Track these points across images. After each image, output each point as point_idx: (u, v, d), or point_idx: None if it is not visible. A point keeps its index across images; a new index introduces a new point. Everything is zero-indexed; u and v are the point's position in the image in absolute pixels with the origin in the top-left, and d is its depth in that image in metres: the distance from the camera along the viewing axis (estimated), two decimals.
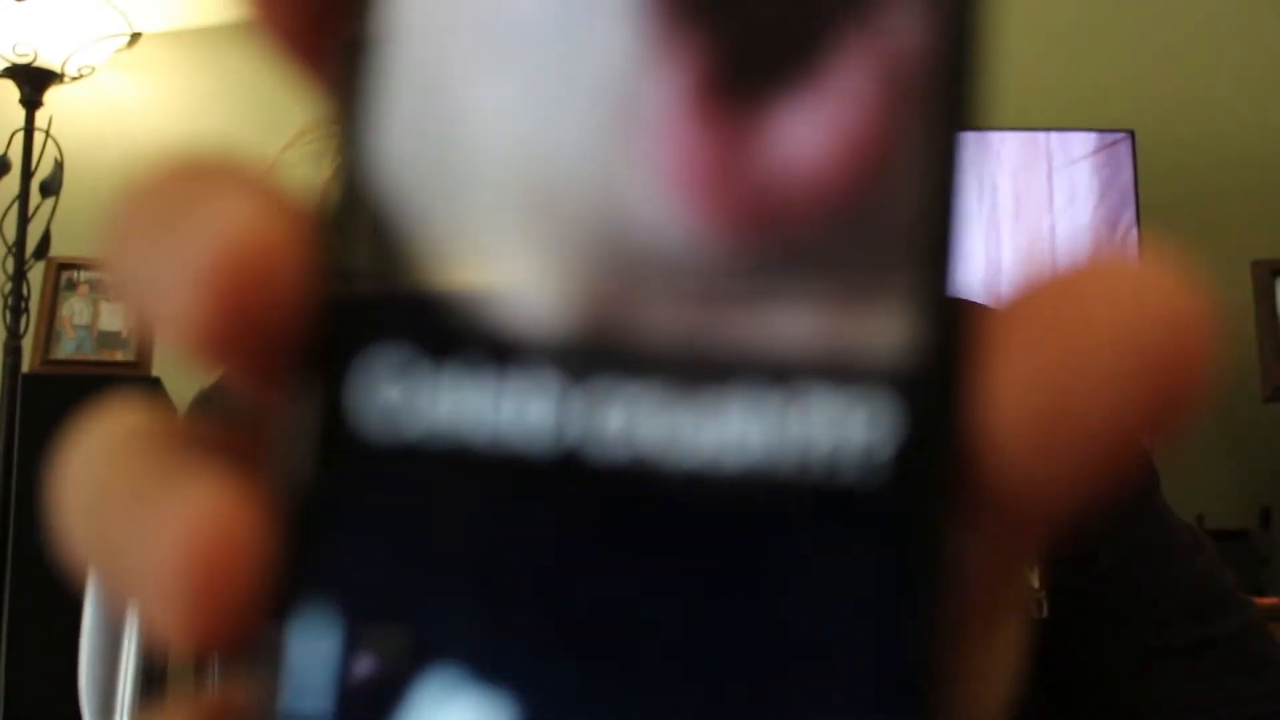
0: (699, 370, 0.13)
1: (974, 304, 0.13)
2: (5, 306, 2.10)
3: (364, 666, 0.13)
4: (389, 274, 0.14)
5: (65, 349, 2.11)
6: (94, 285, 2.14)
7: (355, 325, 0.14)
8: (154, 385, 1.97)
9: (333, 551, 0.13)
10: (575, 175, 0.14)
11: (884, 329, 0.13)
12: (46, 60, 2.11)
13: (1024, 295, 0.13)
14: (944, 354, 0.13)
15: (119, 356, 2.10)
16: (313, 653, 0.13)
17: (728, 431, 0.13)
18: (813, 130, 0.13)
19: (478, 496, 0.13)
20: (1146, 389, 0.12)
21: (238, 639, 0.13)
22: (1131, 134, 2.04)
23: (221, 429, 0.15)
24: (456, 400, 0.13)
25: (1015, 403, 0.13)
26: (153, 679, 1.00)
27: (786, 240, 0.13)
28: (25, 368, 2.05)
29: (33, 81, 2.12)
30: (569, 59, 0.14)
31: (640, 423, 0.13)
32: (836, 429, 0.13)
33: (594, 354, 0.13)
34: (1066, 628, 0.53)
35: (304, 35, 0.15)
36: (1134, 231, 2.00)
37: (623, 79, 0.14)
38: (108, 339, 2.12)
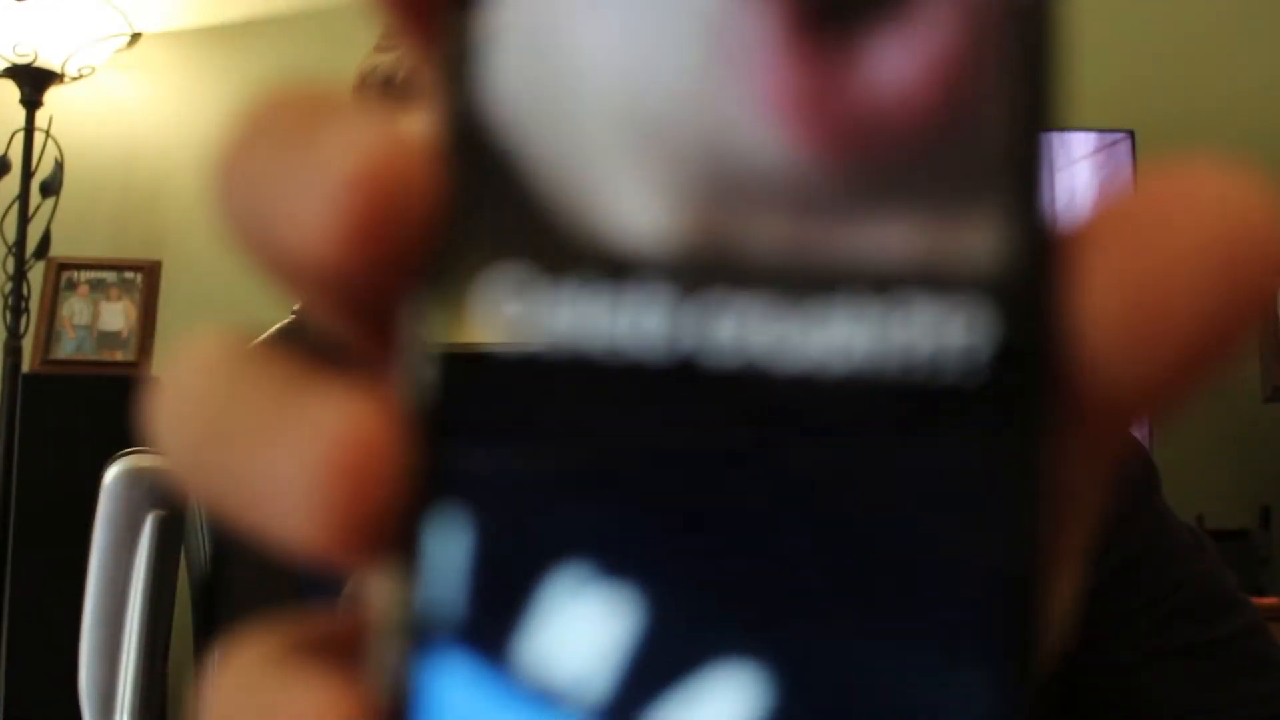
0: (804, 281, 0.14)
1: (1062, 215, 0.14)
2: (5, 306, 2.10)
3: (494, 567, 0.14)
4: (508, 198, 0.14)
5: (65, 349, 2.11)
6: (94, 285, 2.14)
7: (478, 245, 0.14)
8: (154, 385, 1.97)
9: (461, 458, 0.14)
10: (678, 98, 0.14)
11: (979, 239, 0.13)
12: (47, 60, 2.11)
13: (1107, 206, 0.14)
14: (1036, 259, 0.13)
15: (119, 356, 2.10)
16: (445, 556, 0.14)
17: (833, 337, 0.14)
18: (905, 51, 0.14)
19: (597, 404, 0.14)
20: (1223, 285, 0.13)
21: (377, 546, 0.14)
22: (1131, 134, 2.04)
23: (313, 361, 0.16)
24: (575, 314, 0.14)
25: (1105, 302, 0.13)
26: (154, 675, 1.00)
27: (883, 157, 0.14)
28: (25, 368, 2.05)
29: (33, 81, 2.12)
30: None
31: (750, 331, 0.14)
32: (937, 333, 0.13)
33: (704, 268, 0.14)
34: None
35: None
36: None
37: (721, 5, 0.14)
38: (108, 339, 2.12)
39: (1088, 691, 0.54)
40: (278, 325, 0.74)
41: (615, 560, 0.14)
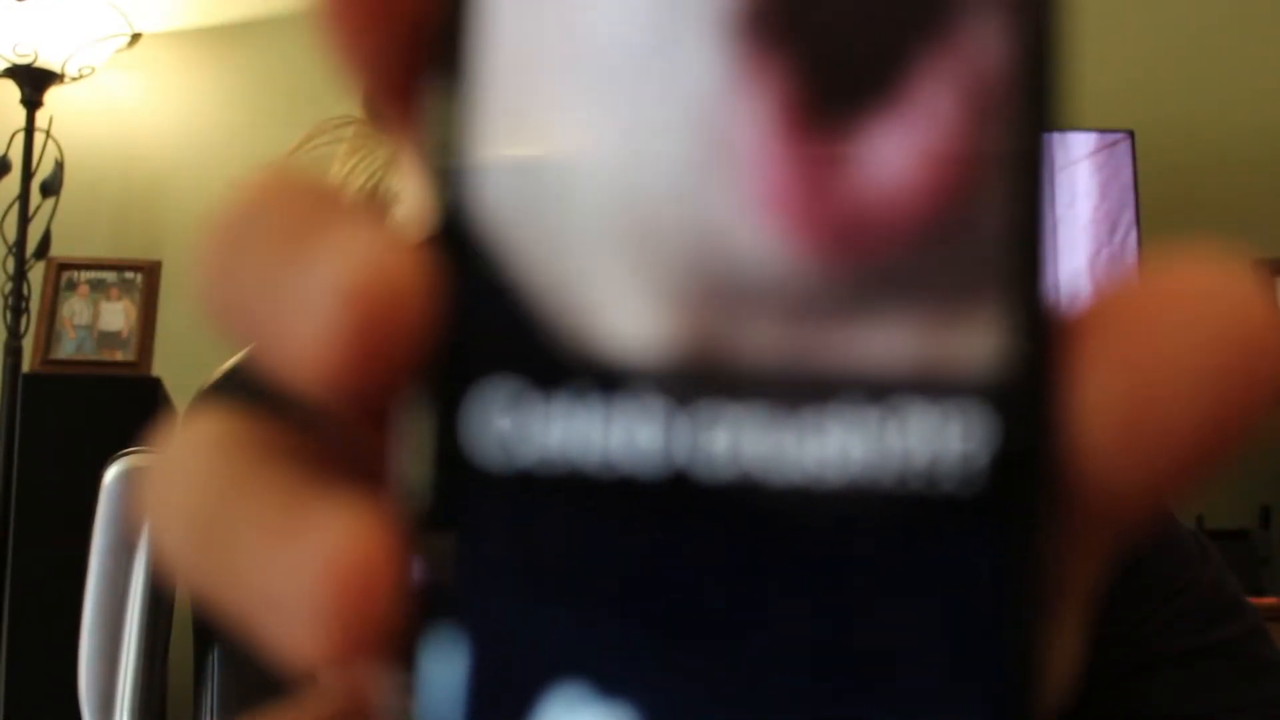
0: (799, 389, 0.14)
1: (1059, 311, 0.14)
2: (5, 306, 2.10)
3: (491, 683, 0.14)
4: (497, 308, 0.14)
5: (65, 349, 2.11)
6: (94, 285, 2.14)
7: (466, 358, 0.14)
8: (154, 385, 1.97)
9: (458, 573, 0.14)
10: (670, 202, 0.14)
11: (976, 342, 0.13)
12: (47, 60, 2.11)
13: (1105, 301, 0.14)
14: (1033, 363, 0.13)
15: (119, 356, 2.10)
16: (443, 671, 0.14)
17: (829, 447, 0.14)
18: (900, 149, 0.14)
19: (591, 519, 0.14)
20: (1224, 389, 0.13)
21: (376, 659, 0.14)
22: (1131, 134, 2.04)
23: (311, 439, 0.16)
24: (566, 427, 0.14)
25: (1101, 407, 0.13)
26: (154, 675, 1.00)
27: (879, 259, 0.14)
28: (25, 368, 2.05)
29: (33, 81, 2.12)
30: (658, 87, 0.14)
31: (745, 442, 0.14)
32: (933, 440, 0.13)
33: (697, 378, 0.14)
34: None
35: (394, 72, 0.15)
36: (1133, 232, 2.00)
37: (711, 106, 0.14)
38: (108, 339, 2.12)
39: (1088, 695, 0.54)
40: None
41: (613, 677, 0.14)
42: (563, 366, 0.14)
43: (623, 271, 0.14)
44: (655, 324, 0.14)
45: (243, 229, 0.15)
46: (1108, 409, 0.13)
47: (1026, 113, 0.14)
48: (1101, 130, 2.04)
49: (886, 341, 0.13)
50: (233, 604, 0.15)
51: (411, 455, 0.14)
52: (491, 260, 0.14)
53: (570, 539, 0.14)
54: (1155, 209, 2.05)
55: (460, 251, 0.14)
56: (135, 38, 2.21)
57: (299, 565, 0.14)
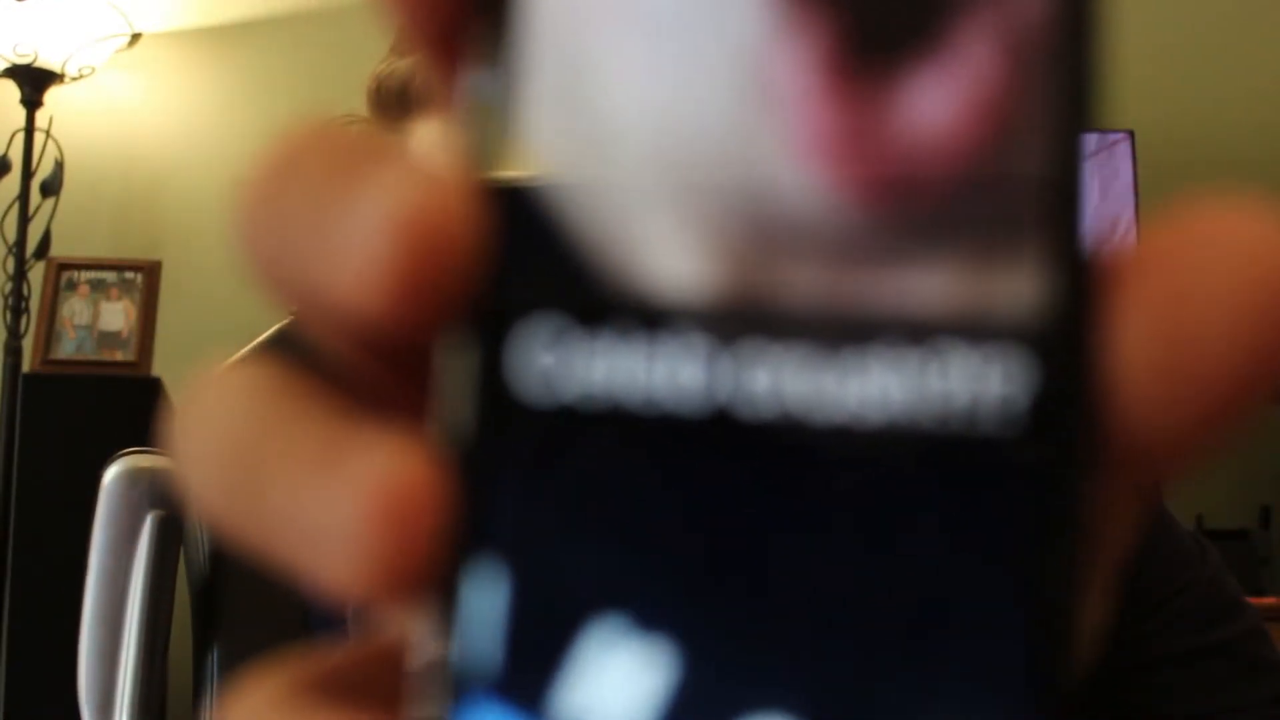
0: (840, 330, 0.14)
1: (1097, 256, 0.14)
2: (5, 306, 2.10)
3: (531, 617, 0.14)
4: (544, 244, 0.14)
5: (65, 349, 2.11)
6: (94, 285, 2.14)
7: (515, 295, 0.14)
8: (154, 385, 1.97)
9: (499, 507, 0.14)
10: (716, 146, 0.14)
11: (1016, 286, 0.13)
12: (47, 60, 2.11)
13: (1142, 246, 0.14)
14: (1072, 307, 0.13)
15: (119, 356, 2.10)
16: (483, 607, 0.14)
17: (870, 387, 0.14)
18: (942, 94, 0.14)
19: (633, 455, 0.14)
20: (1259, 328, 0.13)
21: (417, 592, 0.14)
22: (1131, 134, 2.04)
23: (347, 393, 0.16)
24: (609, 364, 0.14)
25: (1142, 351, 0.13)
26: (153, 675, 1.00)
27: (921, 203, 0.14)
28: (25, 368, 2.05)
29: (33, 81, 2.12)
30: (704, 33, 0.14)
31: (786, 381, 0.14)
32: (974, 382, 0.13)
33: (740, 318, 0.14)
34: None
35: (446, 24, 0.15)
36: (1134, 232, 2.00)
37: (756, 50, 0.14)
38: (108, 339, 2.12)
39: (1093, 696, 0.54)
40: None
41: (653, 613, 0.14)
42: (607, 305, 0.14)
43: (668, 212, 0.14)
44: (699, 264, 0.14)
45: (286, 174, 0.15)
46: (1146, 350, 0.13)
47: (1067, 61, 0.14)
48: (1101, 130, 2.04)
49: (927, 284, 0.14)
50: (270, 541, 0.14)
51: (455, 390, 0.14)
52: (539, 199, 0.14)
53: (611, 475, 0.14)
54: (1154, 209, 2.04)
55: (508, 190, 0.15)
56: (135, 38, 2.21)
57: (341, 495, 0.14)
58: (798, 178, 0.14)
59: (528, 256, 0.14)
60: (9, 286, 2.11)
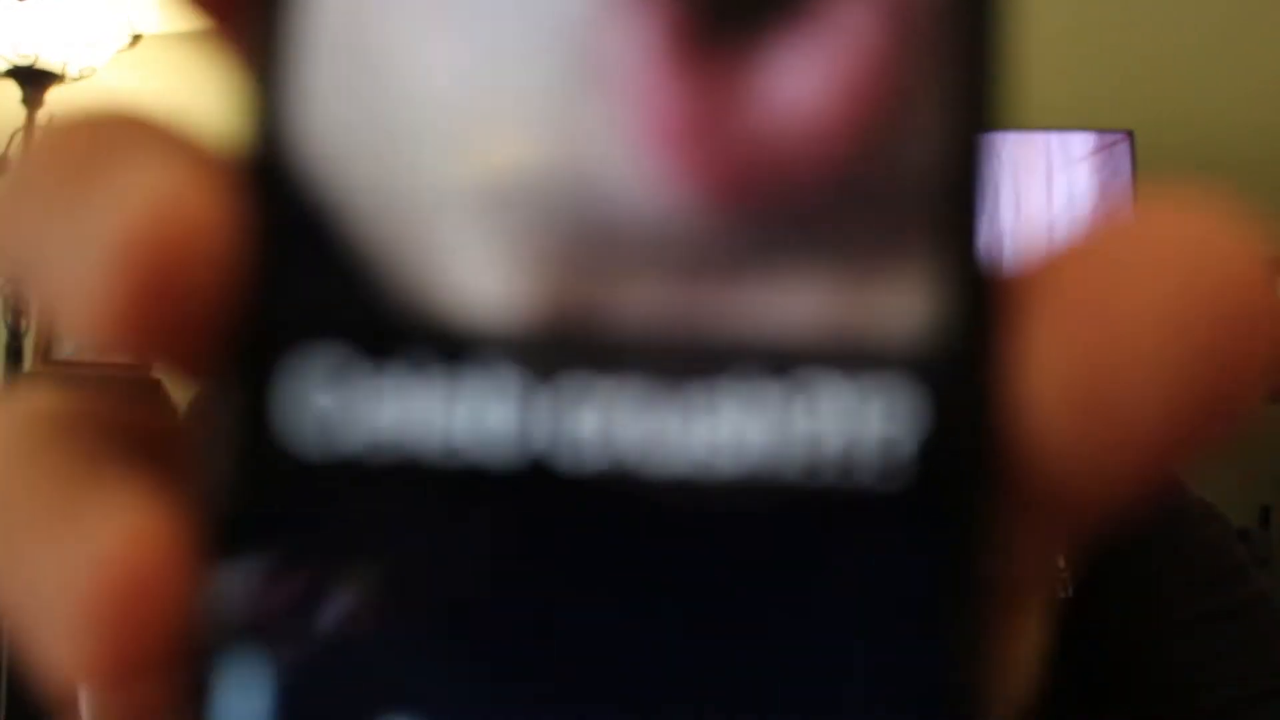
0: (685, 360, 0.11)
1: (997, 270, 0.12)
2: (5, 306, 2.10)
3: (298, 717, 0.11)
4: (318, 257, 0.12)
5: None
6: None
7: (282, 319, 0.12)
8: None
9: (262, 582, 0.12)
10: (530, 137, 0.12)
11: (899, 305, 0.11)
12: (47, 61, 2.11)
13: (1056, 258, 0.12)
14: (970, 332, 0.11)
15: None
16: (240, 706, 0.11)
17: (722, 430, 0.11)
18: (808, 71, 0.11)
19: (429, 518, 0.12)
20: (1201, 359, 0.11)
21: (151, 682, 0.12)
22: (1131, 134, 2.04)
23: (149, 420, 0.14)
24: (401, 405, 0.12)
25: (1052, 383, 0.11)
26: None
27: (783, 204, 0.11)
28: (26, 368, 2.05)
29: (33, 82, 2.12)
30: (520, 3, 0.12)
31: (619, 424, 0.11)
32: (849, 423, 0.11)
33: (561, 345, 0.11)
34: (1081, 604, 0.53)
35: None
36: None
37: (582, 19, 0.12)
38: None
39: (1099, 668, 0.54)
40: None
41: (452, 711, 0.11)
42: (397, 331, 0.12)
43: (471, 217, 0.12)
44: (510, 279, 0.12)
45: (31, 169, 0.13)
46: (1059, 383, 0.11)
47: (962, 28, 0.11)
48: (1101, 130, 2.04)
49: (791, 302, 0.11)
50: (9, 609, 0.12)
51: (211, 437, 0.12)
52: (313, 202, 0.12)
53: (402, 544, 0.12)
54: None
55: (275, 192, 0.12)
56: (136, 38, 2.21)
57: (67, 561, 0.12)
58: (632, 173, 0.11)
59: (299, 272, 0.12)
60: (9, 287, 2.11)
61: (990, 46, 0.11)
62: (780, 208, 0.11)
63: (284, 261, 0.12)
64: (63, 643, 0.12)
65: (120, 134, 0.12)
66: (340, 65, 0.12)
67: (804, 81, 0.11)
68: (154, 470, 0.13)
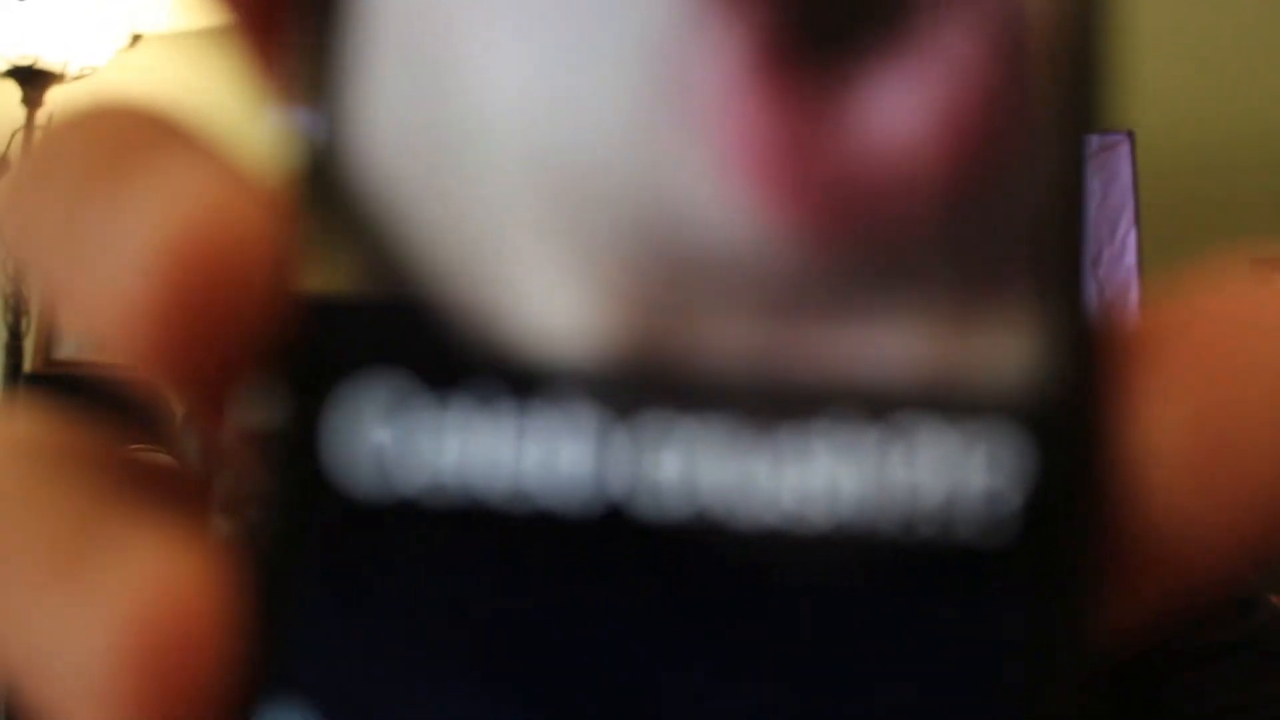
0: (775, 402, 0.11)
1: (1111, 318, 0.11)
2: (6, 306, 2.10)
3: None
4: (380, 280, 0.11)
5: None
6: None
7: (337, 345, 0.11)
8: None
9: (312, 635, 0.11)
10: (612, 160, 0.11)
11: (1006, 348, 0.11)
12: (47, 61, 2.11)
13: (1172, 310, 0.11)
14: (1080, 379, 0.11)
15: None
16: None
17: (813, 478, 0.11)
18: (908, 96, 0.11)
19: (494, 567, 0.11)
20: None
21: None
22: (1131, 135, 2.04)
23: (156, 458, 0.13)
24: (466, 443, 0.11)
25: (1171, 438, 0.10)
26: None
27: (880, 238, 0.11)
28: (26, 368, 2.06)
29: (34, 82, 2.12)
30: (601, 18, 0.11)
31: (703, 469, 0.11)
32: (950, 473, 0.10)
33: (641, 382, 0.11)
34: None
35: None
36: (1133, 232, 2.01)
37: (671, 39, 0.11)
38: None
39: (1113, 698, 0.54)
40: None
41: None
42: (464, 362, 0.11)
43: (548, 245, 0.11)
44: (587, 309, 0.11)
45: (45, 163, 0.12)
46: (1178, 439, 0.10)
47: (1069, 62, 0.11)
48: (1101, 131, 2.04)
49: (889, 343, 0.11)
50: (19, 670, 0.11)
51: (254, 472, 0.11)
52: (375, 224, 0.11)
53: (465, 594, 0.11)
54: (1154, 209, 2.05)
55: (333, 205, 0.11)
56: (136, 38, 2.21)
57: (84, 615, 0.10)
58: (718, 199, 0.11)
59: (359, 296, 0.11)
60: (9, 287, 2.11)
61: (1097, 73, 0.11)
62: (878, 241, 0.11)
63: (339, 282, 0.11)
64: (84, 702, 0.10)
65: (150, 129, 0.11)
66: (405, 75, 0.11)
67: (903, 107, 0.11)
68: (174, 506, 0.11)
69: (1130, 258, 2.00)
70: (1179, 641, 0.54)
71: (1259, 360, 0.10)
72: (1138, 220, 2.03)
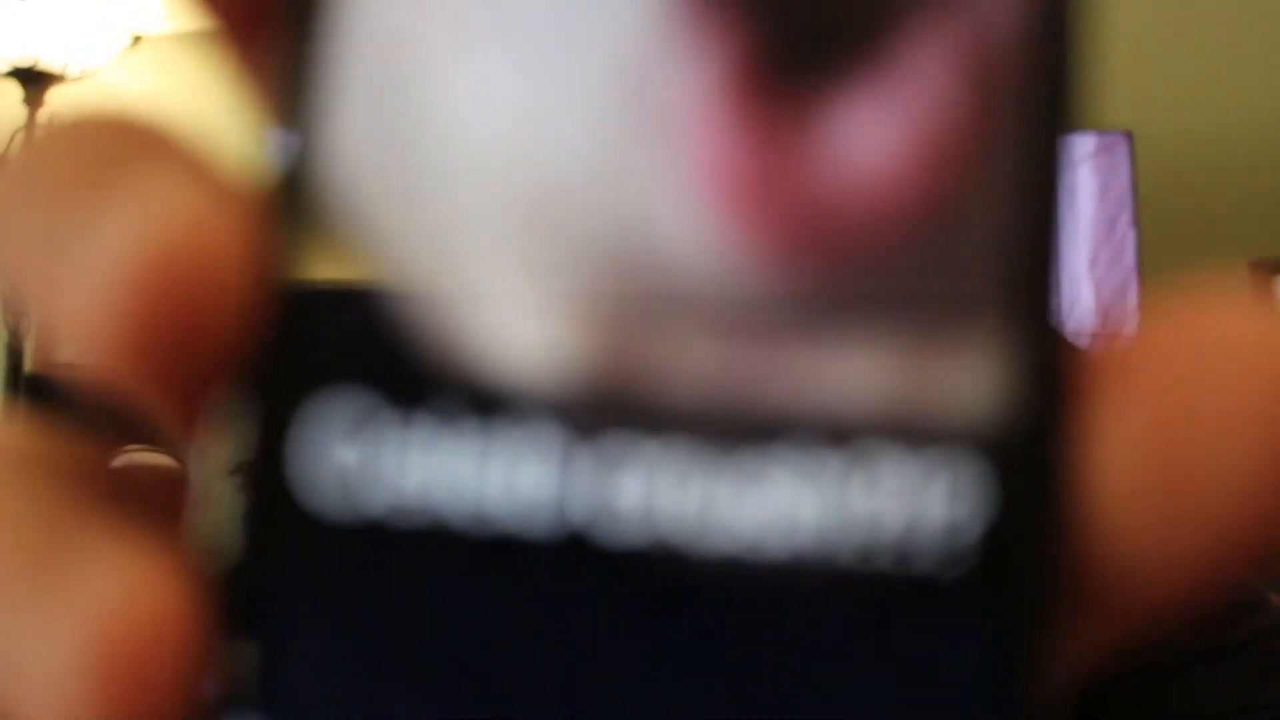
0: (737, 427, 0.11)
1: (1073, 344, 0.11)
2: (5, 307, 2.10)
3: None
4: (346, 301, 0.11)
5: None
6: None
7: (304, 361, 0.11)
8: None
9: (277, 653, 0.11)
10: (580, 183, 0.11)
11: (970, 377, 0.11)
12: (48, 62, 2.12)
13: (1133, 339, 0.11)
14: (1043, 408, 0.11)
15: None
16: None
17: (774, 506, 0.11)
18: (880, 129, 0.11)
19: (455, 590, 0.11)
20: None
21: None
22: (1130, 135, 2.04)
23: (131, 468, 0.13)
24: (430, 463, 0.11)
25: (1130, 468, 0.11)
26: None
27: (848, 266, 0.11)
28: (26, 368, 2.06)
29: (34, 82, 2.12)
30: (571, 41, 0.11)
31: (663, 493, 0.11)
32: (911, 503, 0.10)
33: (605, 405, 0.11)
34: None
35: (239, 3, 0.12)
36: (1131, 233, 2.01)
37: (643, 62, 0.11)
38: None
39: (1110, 701, 0.54)
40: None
41: None
42: (428, 382, 0.11)
43: (515, 266, 0.11)
44: (553, 330, 0.11)
45: (27, 172, 0.12)
46: (1137, 469, 0.10)
47: (1039, 93, 0.11)
48: (1101, 131, 2.04)
49: (854, 369, 0.11)
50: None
51: (221, 489, 0.11)
52: (345, 242, 0.11)
53: (427, 615, 0.11)
54: (1153, 209, 2.05)
55: (302, 228, 0.11)
56: (136, 39, 2.21)
57: (51, 632, 0.11)
58: (686, 225, 0.11)
59: (325, 313, 0.11)
60: (9, 288, 2.12)
61: (1070, 104, 0.11)
62: (844, 268, 0.11)
63: (310, 301, 0.11)
64: (49, 713, 0.11)
65: (131, 140, 0.12)
66: (379, 97, 0.11)
67: (873, 135, 0.11)
68: (147, 517, 0.12)
69: (1129, 258, 2.01)
70: (1179, 642, 0.54)
71: (1215, 393, 0.10)
72: (1136, 221, 2.03)
